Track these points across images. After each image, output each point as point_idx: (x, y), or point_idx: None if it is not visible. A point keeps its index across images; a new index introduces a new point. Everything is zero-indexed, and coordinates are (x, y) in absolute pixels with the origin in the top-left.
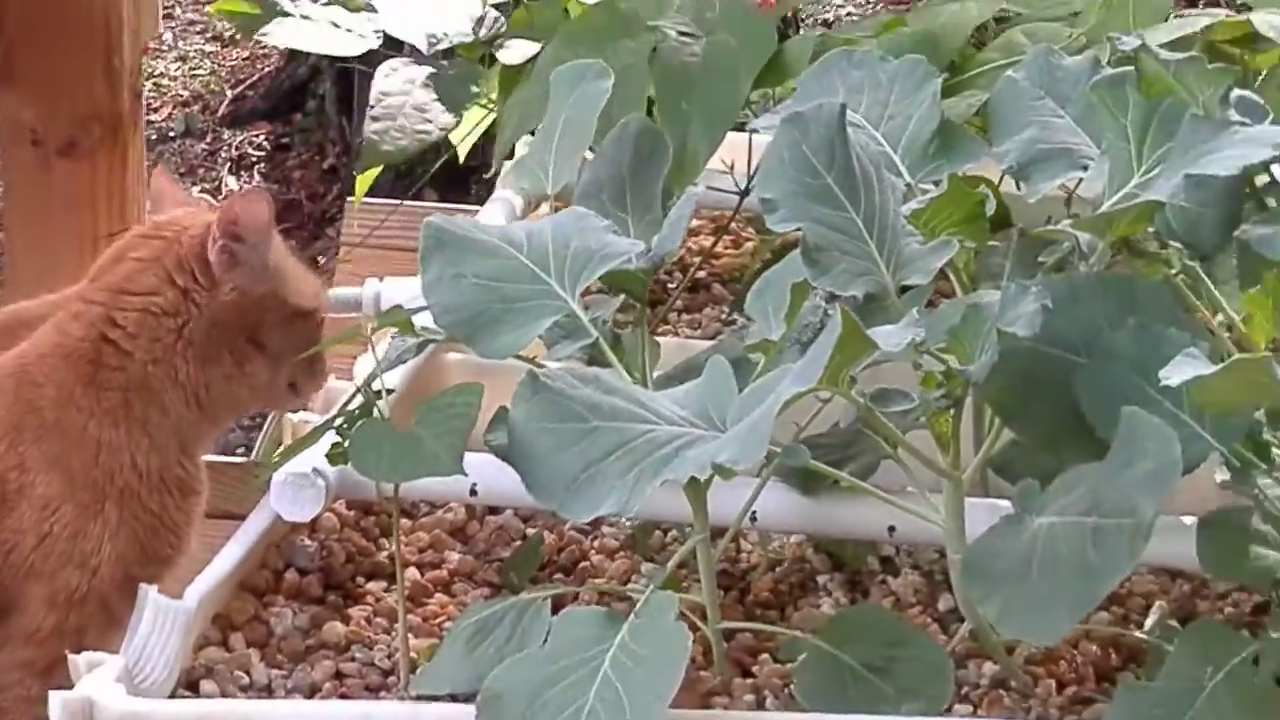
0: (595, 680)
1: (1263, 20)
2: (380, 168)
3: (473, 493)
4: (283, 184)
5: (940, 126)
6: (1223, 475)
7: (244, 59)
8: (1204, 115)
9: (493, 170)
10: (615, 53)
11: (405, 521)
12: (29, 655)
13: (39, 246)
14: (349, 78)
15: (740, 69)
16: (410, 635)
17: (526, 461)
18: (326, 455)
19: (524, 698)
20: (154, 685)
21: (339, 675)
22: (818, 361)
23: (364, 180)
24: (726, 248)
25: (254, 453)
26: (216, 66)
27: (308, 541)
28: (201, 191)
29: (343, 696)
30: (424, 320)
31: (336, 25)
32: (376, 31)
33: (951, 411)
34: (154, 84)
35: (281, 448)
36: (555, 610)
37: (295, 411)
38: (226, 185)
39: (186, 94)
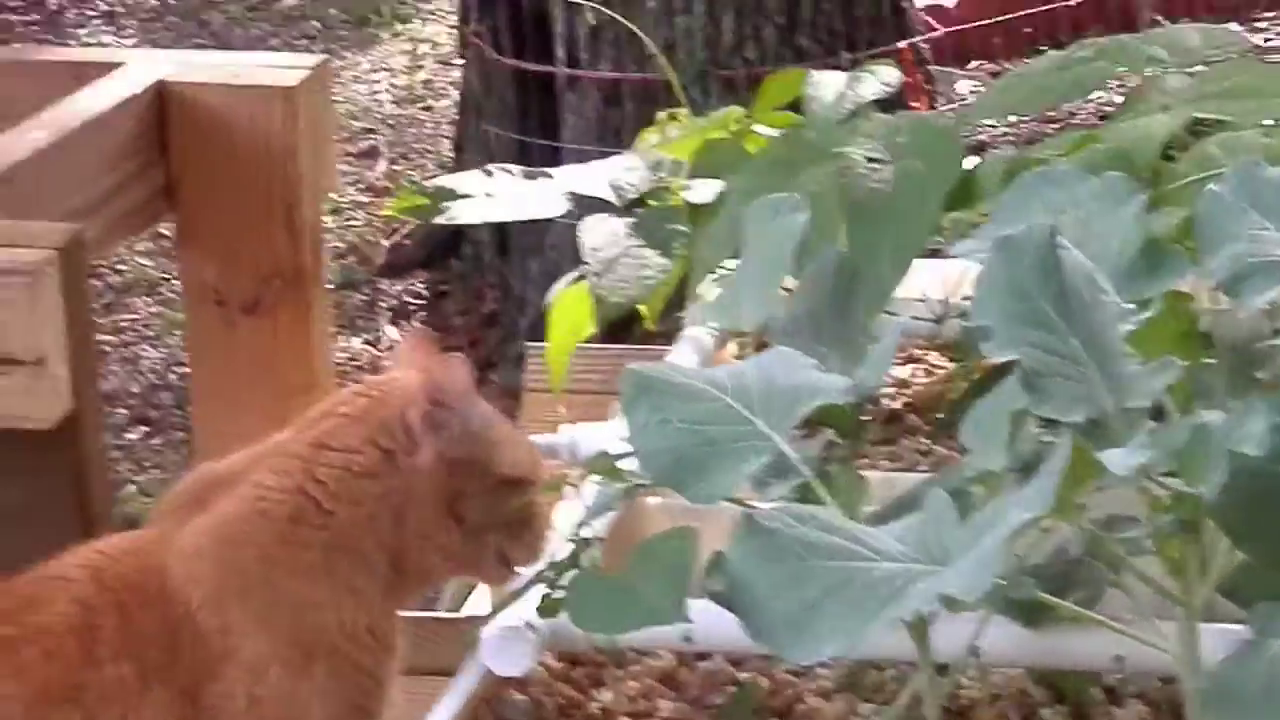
0: None
1: None
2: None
3: (687, 639)
4: (444, 331)
5: (1146, 244)
6: None
7: None
8: None
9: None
10: (802, 183)
11: (615, 672)
12: None
13: (226, 406)
14: (505, 223)
15: (930, 194)
16: None
17: (746, 604)
18: (538, 608)
19: None
20: None
21: None
22: (1047, 489)
23: (562, 341)
24: (917, 376)
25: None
26: (371, 217)
27: (519, 696)
28: (363, 343)
29: None
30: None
31: (522, 196)
32: (565, 193)
33: (1182, 535)
34: None
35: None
36: None
37: (504, 583)
38: (386, 335)
39: (343, 245)
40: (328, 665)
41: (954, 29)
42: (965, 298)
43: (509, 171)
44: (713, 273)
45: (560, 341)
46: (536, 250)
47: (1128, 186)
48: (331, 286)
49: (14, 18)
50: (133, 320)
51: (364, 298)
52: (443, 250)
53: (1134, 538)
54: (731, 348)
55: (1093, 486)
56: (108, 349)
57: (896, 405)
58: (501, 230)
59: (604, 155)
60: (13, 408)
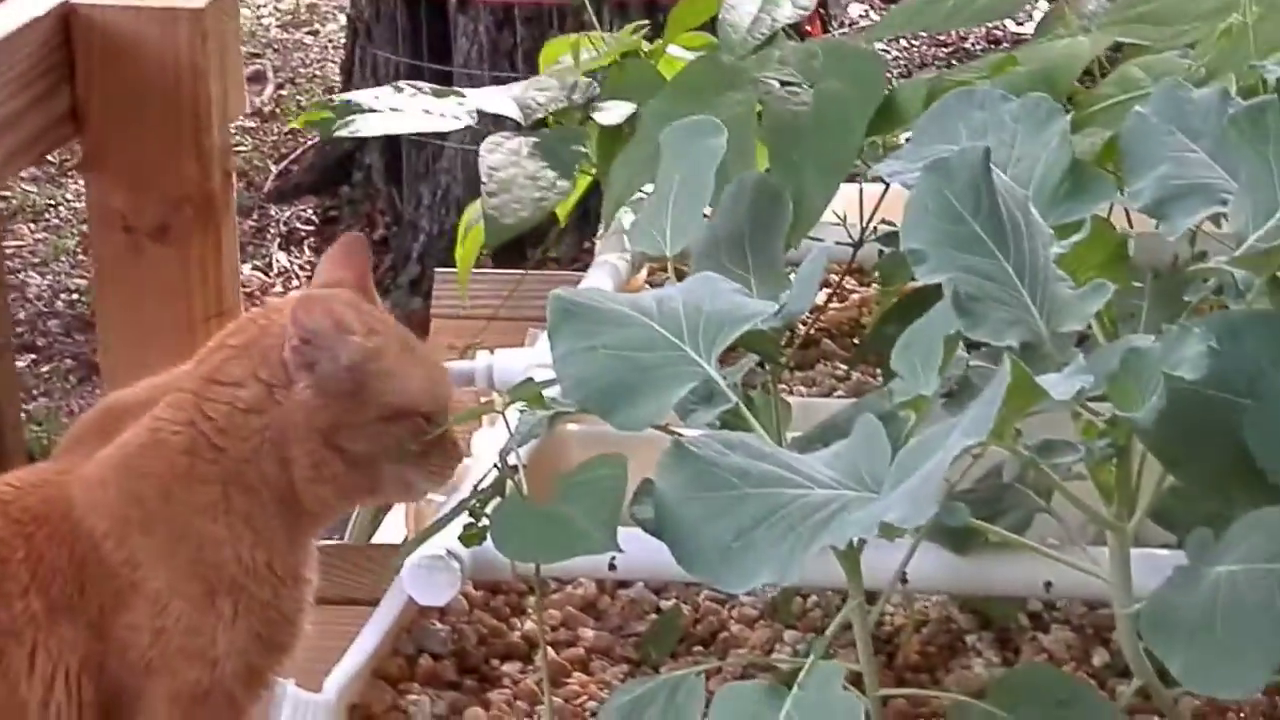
0: None
1: None
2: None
3: (611, 567)
4: None
5: (1071, 166)
6: None
7: (285, 134)
8: None
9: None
10: (720, 107)
11: (534, 599)
12: None
13: (133, 334)
14: (396, 148)
15: (853, 116)
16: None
17: (676, 533)
18: (460, 537)
19: None
20: None
21: None
22: (987, 414)
23: (466, 255)
24: (831, 300)
25: (346, 535)
26: (258, 142)
27: (439, 625)
28: (253, 269)
29: None
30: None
31: (429, 111)
32: (470, 111)
33: (1115, 461)
34: None
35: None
36: None
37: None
38: (277, 261)
39: None
40: (231, 600)
41: None
42: (884, 221)
43: (419, 89)
44: (629, 197)
45: (469, 253)
46: (427, 176)
47: (1051, 108)
48: None
49: None
50: (18, 247)
51: (253, 223)
52: (332, 176)
53: (1062, 463)
54: (643, 273)
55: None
56: None
57: (810, 330)
58: (393, 156)
59: (496, 79)
60: None
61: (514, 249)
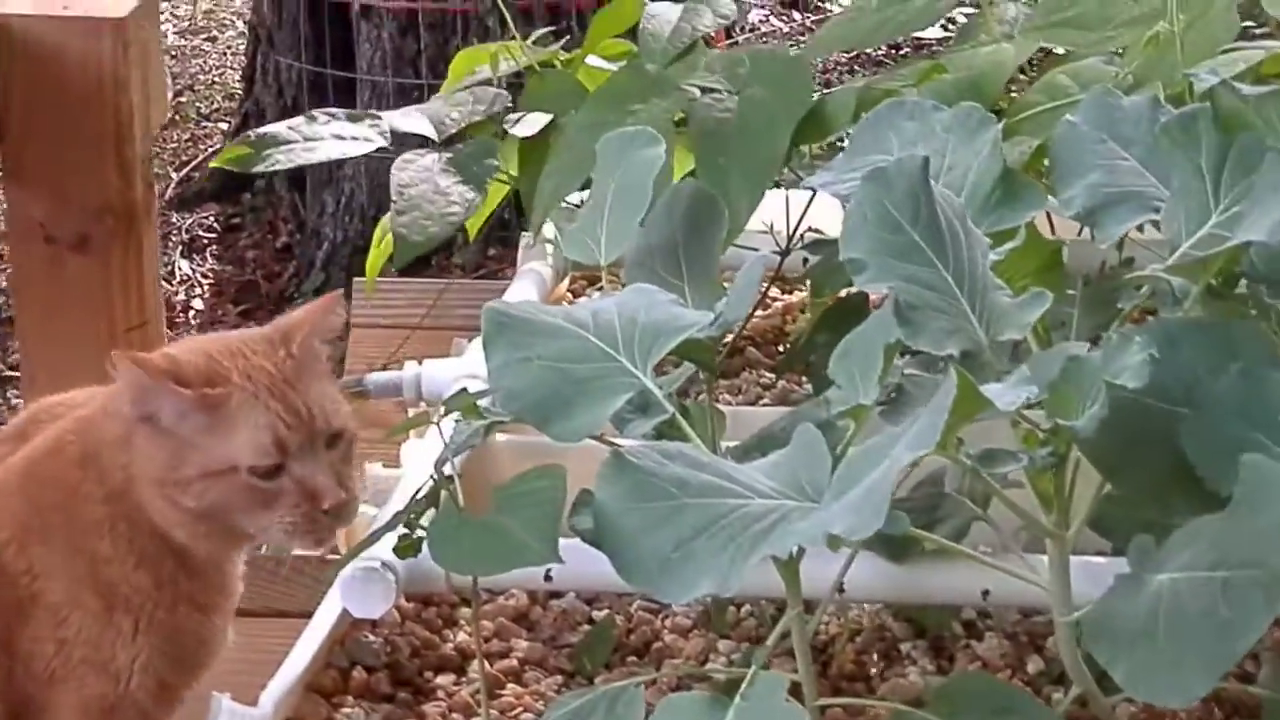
0: None
1: None
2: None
3: (547, 578)
4: (237, 265)
5: (1002, 175)
6: None
7: (186, 140)
8: None
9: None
10: (646, 114)
11: (466, 610)
12: None
13: (55, 345)
14: None
15: (778, 122)
16: None
17: (616, 544)
18: (395, 549)
19: None
20: None
21: None
22: (934, 424)
23: (374, 263)
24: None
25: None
26: (159, 149)
27: (371, 637)
28: None
29: None
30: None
31: (341, 137)
32: (383, 133)
33: (1054, 469)
34: None
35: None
36: None
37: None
38: (179, 269)
39: None
40: (130, 618)
41: None
42: (810, 229)
43: (332, 115)
44: (555, 206)
45: (375, 262)
46: (331, 183)
47: (982, 117)
48: None
49: None
50: None
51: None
52: (235, 183)
53: (1003, 472)
54: (564, 283)
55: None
56: None
57: (735, 339)
58: None
59: (400, 86)
60: None
61: (419, 258)
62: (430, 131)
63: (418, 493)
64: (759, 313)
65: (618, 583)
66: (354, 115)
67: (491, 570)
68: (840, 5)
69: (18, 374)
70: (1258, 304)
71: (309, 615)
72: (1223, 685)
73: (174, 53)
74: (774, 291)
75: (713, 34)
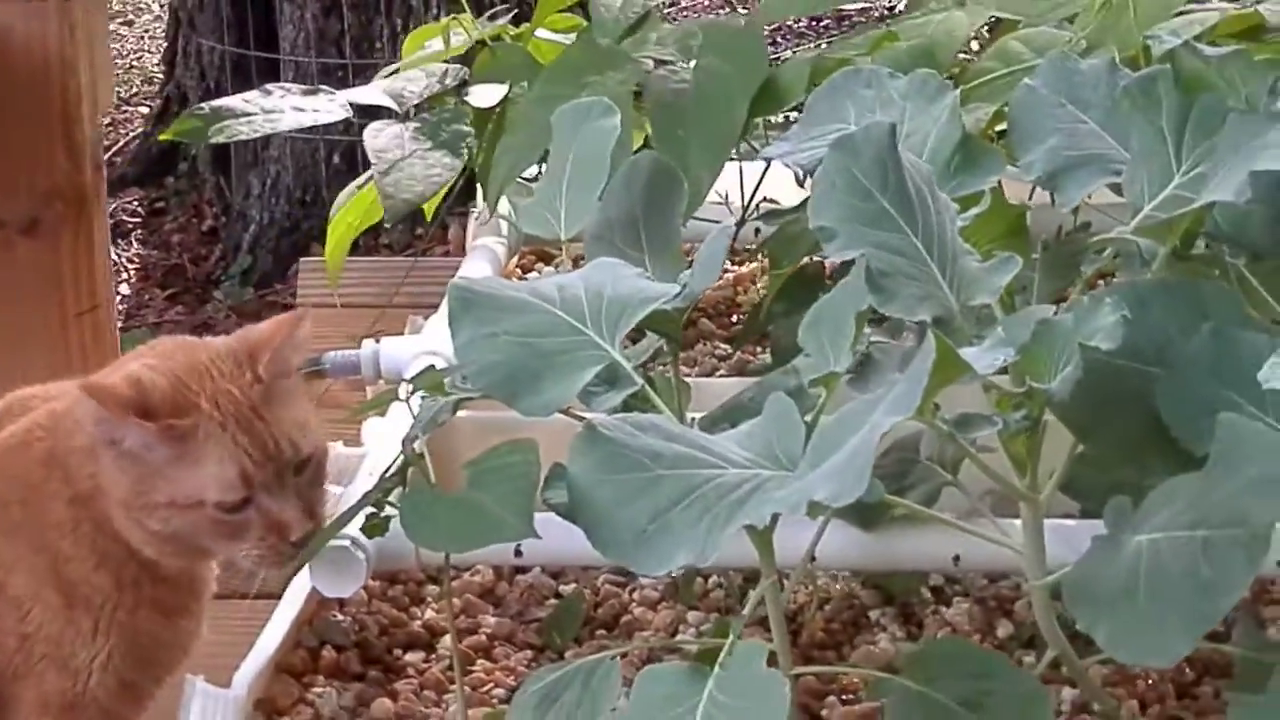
0: None
1: (1275, 12)
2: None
3: (517, 553)
4: (162, 249)
5: (961, 141)
6: None
7: (107, 125)
8: (1249, 110)
9: (479, 216)
10: (599, 87)
11: (433, 588)
12: None
13: (7, 330)
14: None
15: (734, 92)
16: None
17: (591, 517)
18: (364, 527)
19: None
20: None
21: None
22: (914, 390)
23: (337, 242)
24: None
25: None
26: None
27: (340, 616)
28: None
29: None
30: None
31: (300, 109)
32: (341, 105)
33: (1028, 433)
34: None
35: None
36: None
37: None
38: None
39: None
40: (90, 617)
41: None
42: (765, 199)
43: (287, 90)
44: (512, 181)
45: (339, 238)
46: (256, 165)
47: (939, 84)
48: None
49: None
50: None
51: None
52: (158, 166)
53: (975, 436)
54: (515, 258)
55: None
56: None
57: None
58: (219, 145)
59: (324, 67)
60: None
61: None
62: (391, 104)
63: (387, 471)
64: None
65: (589, 556)
66: (308, 90)
67: (467, 546)
68: None
69: None
70: (1219, 264)
71: (275, 597)
72: (1202, 645)
73: None
74: (725, 263)
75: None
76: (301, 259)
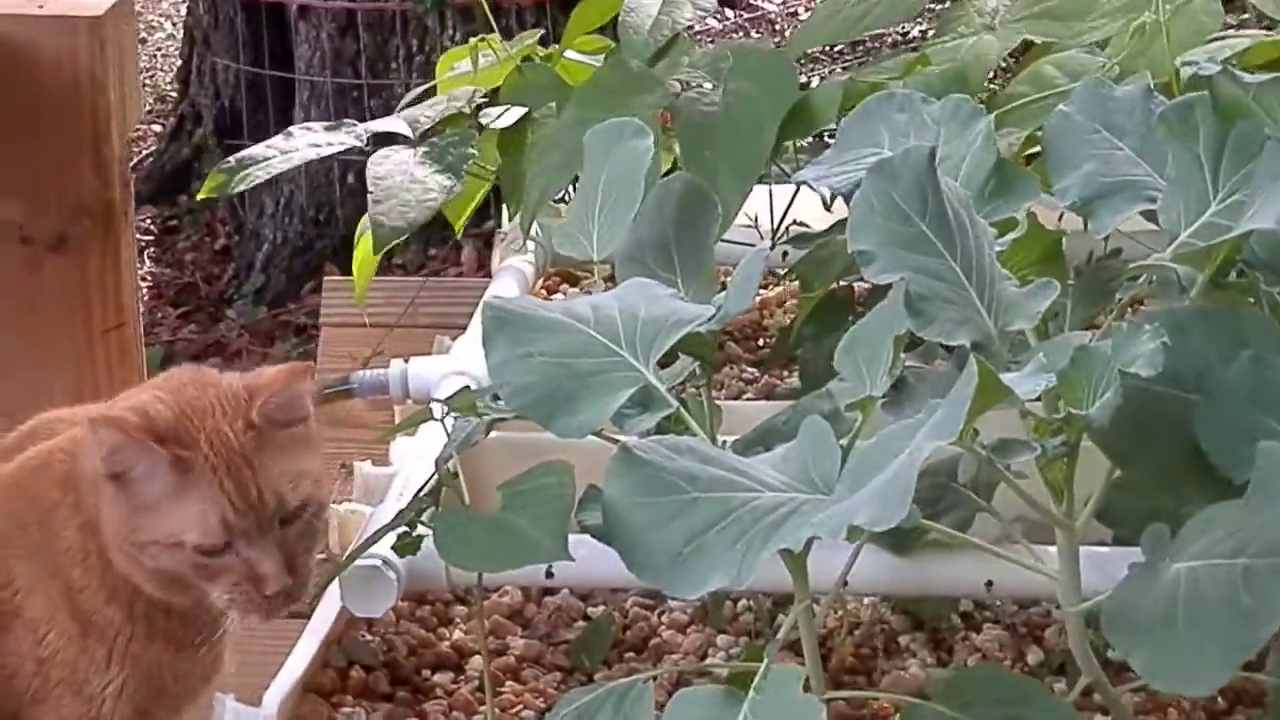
0: None
1: None
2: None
3: (548, 574)
4: (175, 267)
5: (996, 165)
6: None
7: None
8: None
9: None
10: (631, 109)
11: (461, 609)
12: None
13: (31, 347)
14: None
15: (764, 116)
16: None
17: (625, 539)
18: (395, 546)
19: None
20: None
21: None
22: (957, 415)
23: (362, 262)
24: None
25: None
26: None
27: (368, 636)
28: None
29: None
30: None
31: (316, 145)
32: (359, 137)
33: (1065, 459)
34: None
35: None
36: None
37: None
38: None
39: None
40: (103, 647)
41: None
42: (795, 222)
43: (308, 129)
44: (545, 203)
45: (365, 257)
46: (270, 183)
47: (973, 109)
48: None
49: None
50: None
51: None
52: (170, 185)
53: (1013, 462)
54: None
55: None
56: None
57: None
58: None
59: (339, 86)
60: None
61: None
62: (405, 130)
63: (420, 490)
64: None
65: (620, 578)
66: (330, 126)
67: (501, 567)
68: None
69: None
70: (1254, 292)
71: (303, 616)
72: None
73: None
74: None
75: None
76: (325, 277)
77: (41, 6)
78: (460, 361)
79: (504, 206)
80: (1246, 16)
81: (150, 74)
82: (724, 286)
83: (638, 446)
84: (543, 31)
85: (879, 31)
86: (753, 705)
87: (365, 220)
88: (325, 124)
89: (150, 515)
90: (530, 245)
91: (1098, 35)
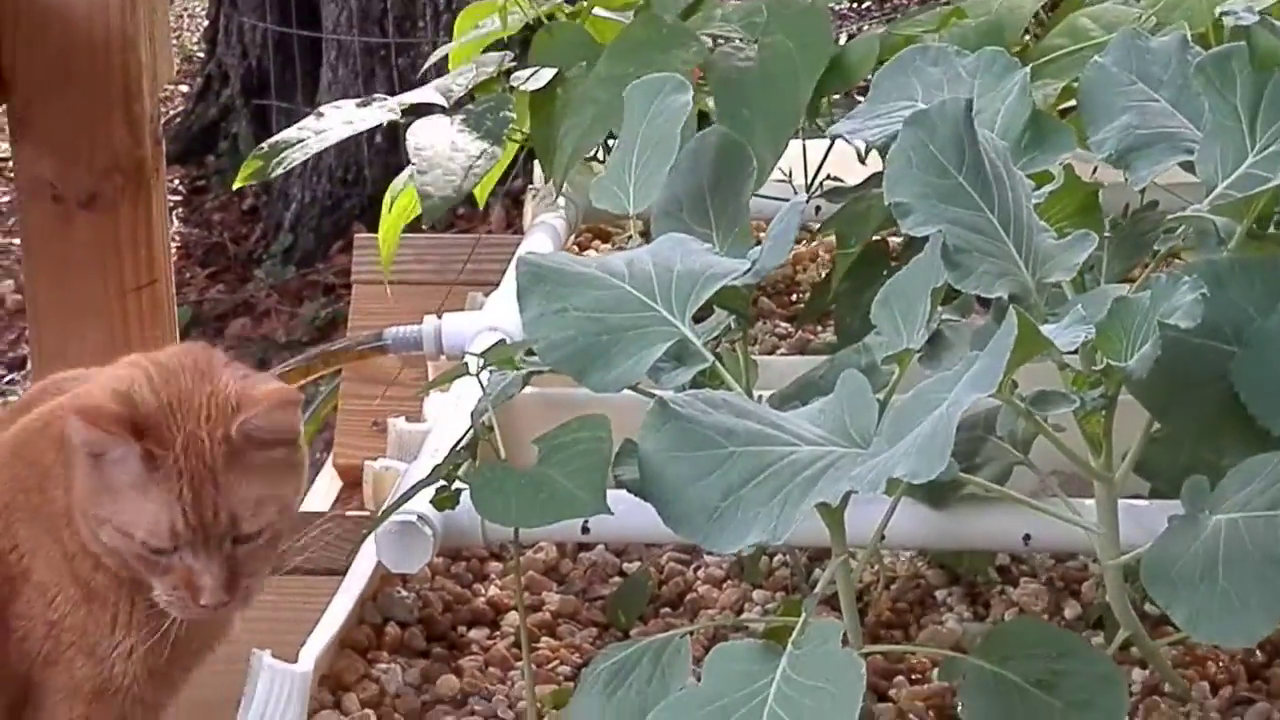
0: (762, 716)
1: None
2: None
3: (585, 530)
4: (203, 227)
5: (1032, 118)
6: None
7: None
8: None
9: (538, 194)
10: (665, 64)
11: (496, 565)
12: None
13: (63, 303)
14: (264, 115)
15: (799, 71)
16: None
17: (662, 494)
18: (433, 501)
19: None
20: None
21: None
22: (996, 366)
23: (390, 225)
24: None
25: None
26: None
27: (404, 593)
28: None
29: None
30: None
31: (350, 122)
32: (392, 110)
33: (1104, 411)
34: None
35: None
36: None
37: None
38: None
39: None
40: (108, 610)
41: None
42: (830, 176)
43: (338, 108)
44: (579, 160)
45: (394, 224)
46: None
47: (1008, 61)
48: None
49: None
50: None
51: None
52: (199, 145)
53: (1052, 414)
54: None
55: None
56: None
57: None
58: (260, 124)
59: (366, 46)
60: None
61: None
62: (440, 100)
63: (457, 444)
64: None
65: (656, 533)
66: (363, 102)
67: (539, 522)
68: None
69: None
70: None
71: (335, 572)
72: None
73: None
74: None
75: None
76: (356, 235)
77: None
78: (494, 317)
79: (534, 165)
80: None
81: (177, 34)
82: (759, 241)
83: (674, 401)
84: None
85: None
86: (791, 659)
87: (396, 184)
88: (356, 100)
89: (112, 498)
90: (561, 201)
91: None
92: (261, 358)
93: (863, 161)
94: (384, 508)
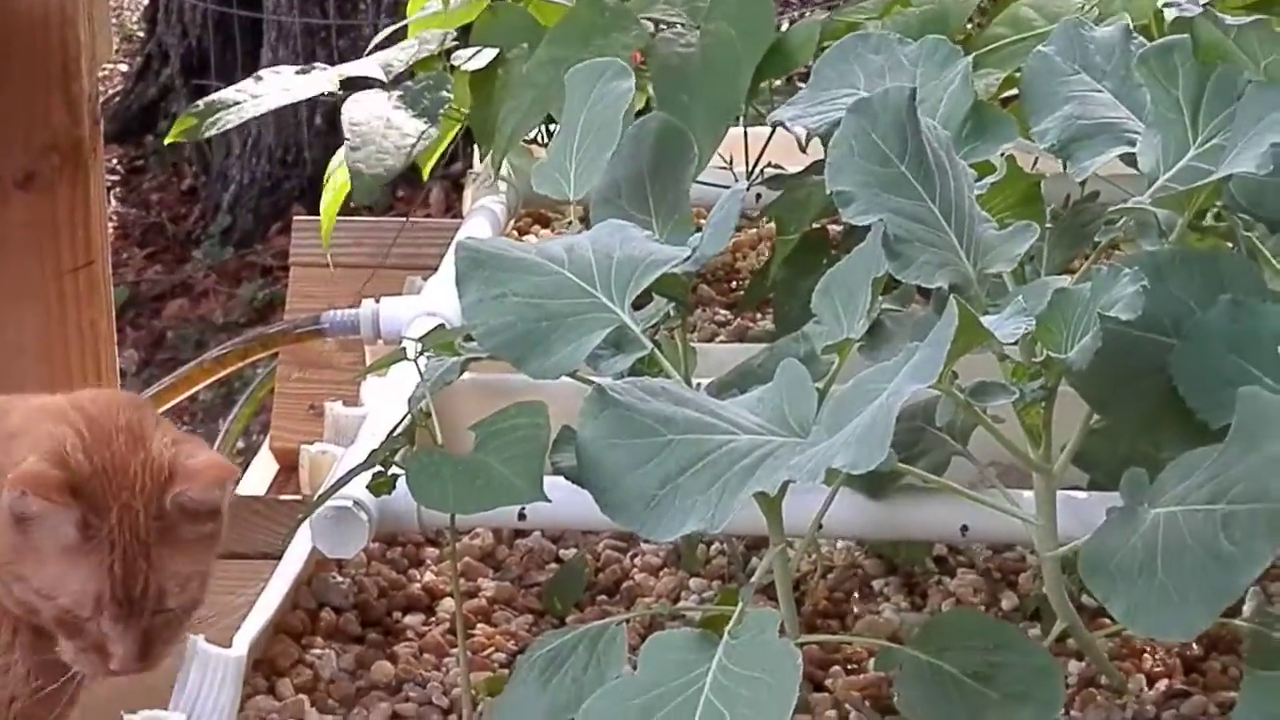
0: (698, 706)
1: None
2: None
3: (521, 516)
4: (141, 207)
5: (973, 108)
6: None
7: None
8: (1269, 81)
9: (477, 178)
10: (606, 48)
11: (432, 550)
12: None
13: (0, 285)
14: (204, 96)
15: (741, 58)
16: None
17: (599, 481)
18: (369, 486)
19: None
20: None
21: (396, 717)
22: (936, 357)
23: (331, 203)
24: None
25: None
26: None
27: (340, 578)
28: None
29: None
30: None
31: (287, 89)
32: (333, 80)
33: (1043, 403)
34: None
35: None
36: None
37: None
38: None
39: None
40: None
41: None
42: (770, 164)
43: (278, 73)
44: (516, 143)
45: (332, 201)
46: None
47: (951, 50)
48: None
49: None
50: None
51: None
52: (137, 124)
53: (991, 405)
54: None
55: None
56: None
57: None
58: None
59: (307, 27)
60: None
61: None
62: (379, 74)
63: (394, 430)
64: None
65: (593, 520)
66: (301, 70)
67: (475, 509)
68: None
69: None
70: (1233, 236)
71: (270, 557)
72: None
73: None
74: None
75: None
76: (294, 217)
77: None
78: (432, 302)
79: (474, 148)
80: None
81: (117, 13)
82: (699, 228)
83: (612, 388)
84: None
85: None
86: (727, 649)
87: (334, 163)
88: (296, 68)
89: (36, 559)
90: (502, 186)
91: None
92: (199, 339)
93: (803, 149)
94: (320, 492)
